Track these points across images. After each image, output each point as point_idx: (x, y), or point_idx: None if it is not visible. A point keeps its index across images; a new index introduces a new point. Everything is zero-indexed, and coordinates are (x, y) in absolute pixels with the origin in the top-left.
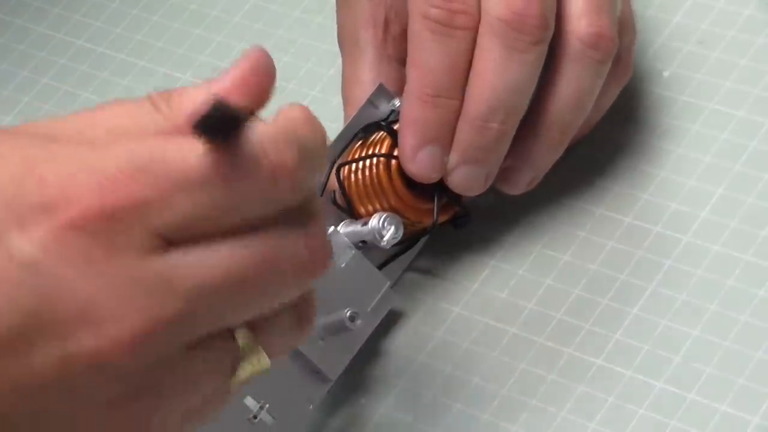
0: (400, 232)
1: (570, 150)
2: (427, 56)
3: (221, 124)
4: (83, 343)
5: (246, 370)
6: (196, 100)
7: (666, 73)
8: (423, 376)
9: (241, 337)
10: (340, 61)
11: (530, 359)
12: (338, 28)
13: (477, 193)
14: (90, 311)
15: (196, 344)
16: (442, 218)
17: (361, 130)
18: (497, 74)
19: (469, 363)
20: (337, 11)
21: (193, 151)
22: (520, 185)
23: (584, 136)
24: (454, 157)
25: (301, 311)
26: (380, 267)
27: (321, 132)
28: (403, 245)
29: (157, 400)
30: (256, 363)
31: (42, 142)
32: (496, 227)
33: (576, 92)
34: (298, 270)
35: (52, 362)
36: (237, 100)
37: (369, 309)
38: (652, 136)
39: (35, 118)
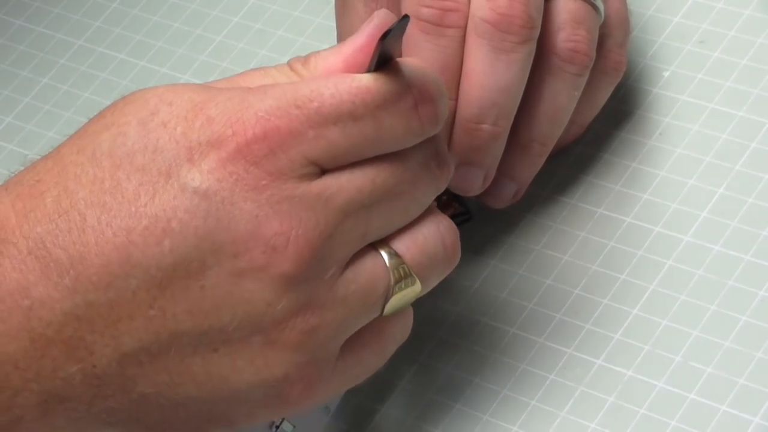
0: None
1: (567, 150)
2: (421, 57)
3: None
4: (254, 257)
5: (397, 294)
6: (329, 62)
7: (666, 73)
8: (423, 375)
9: (388, 255)
10: None
11: (530, 359)
12: (338, 36)
13: (477, 193)
14: (258, 229)
15: (350, 263)
16: None
17: None
18: (486, 76)
19: (469, 363)
20: (336, 20)
21: (345, 86)
22: (504, 198)
23: (579, 136)
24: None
25: (441, 231)
26: None
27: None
28: None
29: (318, 318)
30: (406, 287)
31: (205, 89)
32: (496, 227)
33: (552, 105)
34: (431, 186)
35: (224, 280)
36: (368, 57)
37: None
38: (651, 135)
39: (35, 118)
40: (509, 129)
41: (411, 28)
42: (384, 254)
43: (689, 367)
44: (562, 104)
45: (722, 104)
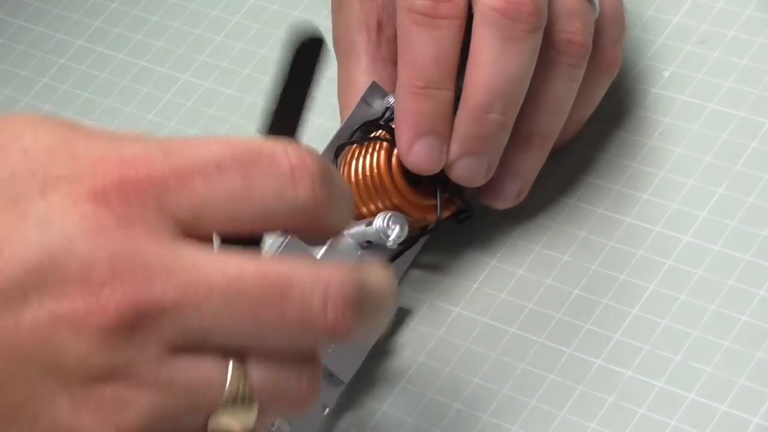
0: (405, 231)
1: (567, 149)
2: (415, 49)
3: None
4: (76, 302)
5: (226, 415)
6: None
7: (666, 73)
8: (423, 376)
9: (232, 366)
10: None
11: (530, 359)
12: (333, 34)
13: (479, 184)
14: (89, 274)
15: (183, 350)
16: (445, 214)
17: (358, 130)
18: (494, 64)
19: (469, 363)
20: (332, 18)
21: (215, 139)
22: (508, 197)
23: (577, 134)
24: (455, 149)
25: (303, 374)
26: None
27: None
28: (405, 243)
29: (131, 393)
30: (238, 412)
31: (81, 129)
32: (496, 227)
33: (551, 97)
34: (303, 316)
35: (40, 319)
36: None
37: None
38: (652, 135)
39: None
40: (515, 119)
41: (406, 22)
42: (231, 364)
43: (689, 367)
44: (561, 96)
45: (722, 104)
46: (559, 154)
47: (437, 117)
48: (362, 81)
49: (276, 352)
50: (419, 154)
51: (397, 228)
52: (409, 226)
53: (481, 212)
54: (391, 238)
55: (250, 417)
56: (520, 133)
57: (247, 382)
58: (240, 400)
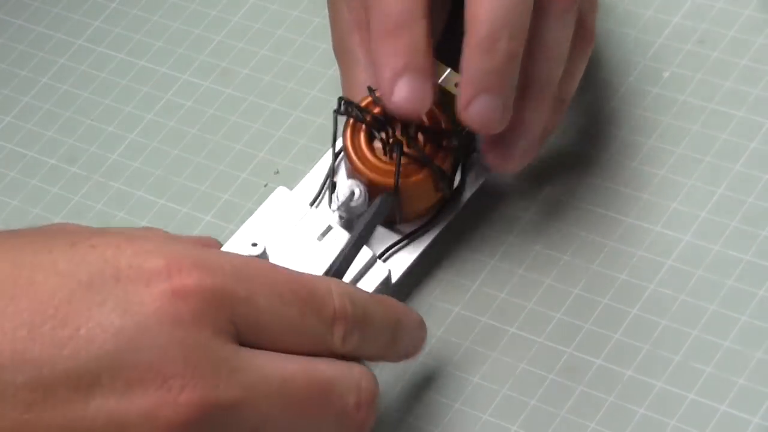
0: (359, 193)
1: (567, 150)
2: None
3: None
4: (147, 392)
5: None
6: None
7: (666, 73)
8: (423, 375)
9: None
10: None
11: (530, 359)
12: (332, 42)
13: (496, 129)
14: (161, 364)
15: None
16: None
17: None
18: None
19: (469, 363)
20: (330, 27)
21: (280, 273)
22: (515, 158)
23: (563, 114)
24: (466, 91)
25: None
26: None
27: (393, 321)
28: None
29: None
30: None
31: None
32: (496, 227)
33: (548, 44)
34: (340, 414)
35: (109, 409)
36: None
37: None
38: (651, 136)
39: (35, 117)
40: (522, 51)
41: None
42: None
43: (689, 367)
44: (557, 42)
45: (722, 104)
46: (559, 154)
47: (413, 52)
48: (362, 80)
49: None
50: (401, 95)
51: (356, 191)
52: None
53: (480, 212)
54: (352, 203)
55: None
56: (519, 84)
57: None
58: None
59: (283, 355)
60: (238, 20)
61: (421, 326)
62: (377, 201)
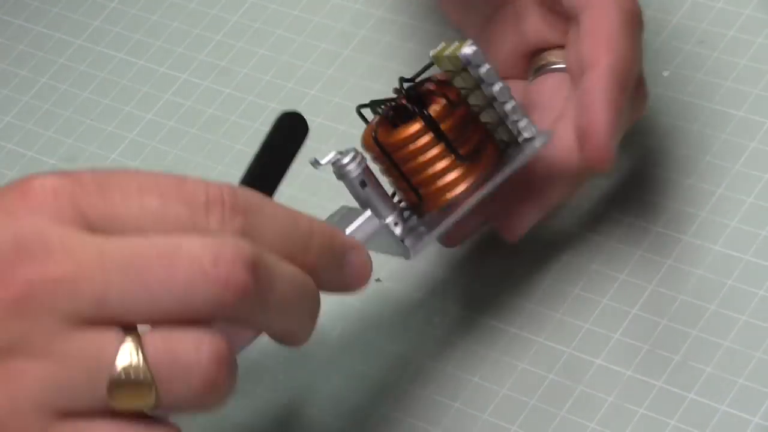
0: (349, 158)
1: None
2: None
3: None
4: None
5: (124, 392)
6: None
7: (666, 73)
8: (423, 375)
9: (127, 335)
10: (339, 60)
11: (530, 359)
12: None
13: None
14: None
15: (80, 324)
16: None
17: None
18: None
19: (469, 363)
20: None
21: (143, 175)
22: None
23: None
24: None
25: (202, 345)
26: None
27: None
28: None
29: (25, 363)
30: (137, 390)
31: None
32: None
33: None
34: (192, 274)
35: None
36: None
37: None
38: (652, 136)
39: (34, 117)
40: None
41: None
42: (124, 336)
43: (689, 366)
44: None
45: (722, 104)
46: None
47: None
48: None
49: (170, 320)
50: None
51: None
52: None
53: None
54: (346, 165)
55: (149, 395)
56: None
57: (141, 354)
58: (135, 374)
59: (134, 236)
60: (238, 20)
61: (357, 251)
62: (279, 117)
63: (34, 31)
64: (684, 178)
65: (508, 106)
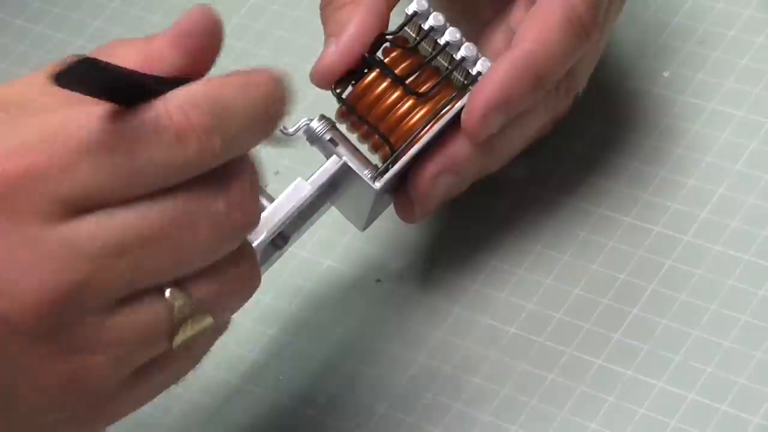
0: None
1: (567, 150)
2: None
3: (93, 81)
4: None
5: (185, 330)
6: (124, 61)
7: (666, 73)
8: (423, 375)
9: (171, 296)
10: None
11: (530, 359)
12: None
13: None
14: None
15: (124, 302)
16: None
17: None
18: None
19: (469, 362)
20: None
21: (94, 117)
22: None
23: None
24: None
25: (240, 268)
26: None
27: (253, 97)
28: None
29: (82, 360)
30: (195, 323)
31: None
32: (496, 227)
33: None
34: (216, 228)
35: None
36: (173, 59)
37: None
38: (652, 136)
39: None
40: None
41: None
42: (168, 295)
43: (689, 366)
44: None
45: (722, 104)
46: (559, 154)
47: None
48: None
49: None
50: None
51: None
52: None
53: (479, 212)
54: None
55: (206, 322)
56: None
57: (190, 300)
58: (191, 316)
59: (121, 205)
60: (238, 20)
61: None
62: None
63: (35, 32)
64: (684, 178)
65: (461, 49)
